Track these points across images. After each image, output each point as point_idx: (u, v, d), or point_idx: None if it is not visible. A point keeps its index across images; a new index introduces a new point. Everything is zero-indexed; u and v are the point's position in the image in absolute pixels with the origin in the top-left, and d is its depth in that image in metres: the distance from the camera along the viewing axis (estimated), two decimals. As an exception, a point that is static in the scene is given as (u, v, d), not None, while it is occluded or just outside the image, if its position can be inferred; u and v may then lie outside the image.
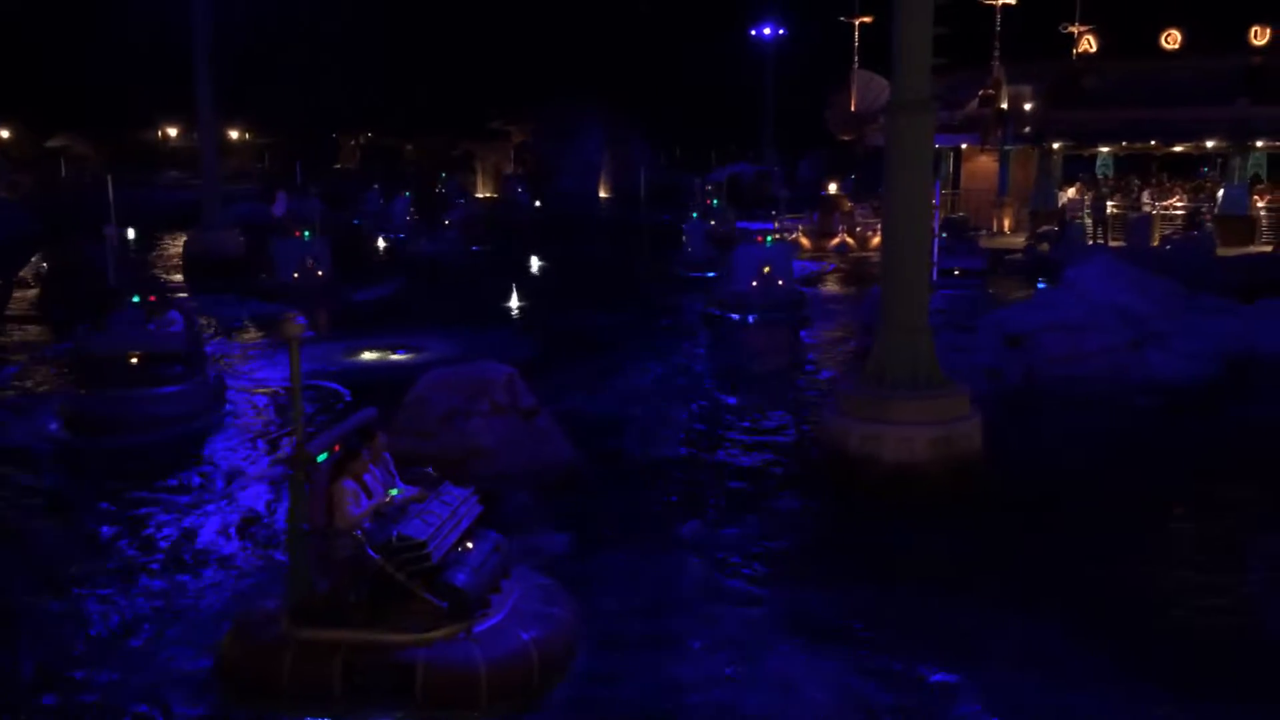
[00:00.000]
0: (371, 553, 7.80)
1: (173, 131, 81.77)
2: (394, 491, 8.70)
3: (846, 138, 44.53)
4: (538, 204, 58.40)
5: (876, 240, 33.23)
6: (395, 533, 7.95)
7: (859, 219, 40.99)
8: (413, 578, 7.82)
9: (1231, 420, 15.71)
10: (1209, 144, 37.54)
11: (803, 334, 24.34)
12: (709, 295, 26.63)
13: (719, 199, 41.73)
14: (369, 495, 8.43)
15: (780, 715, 7.92)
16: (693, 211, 36.35)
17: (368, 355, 21.57)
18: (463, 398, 12.52)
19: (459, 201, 35.85)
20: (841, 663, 8.59)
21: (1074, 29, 42.14)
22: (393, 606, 7.86)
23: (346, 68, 73.05)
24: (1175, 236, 31.13)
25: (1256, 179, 38.00)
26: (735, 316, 25.16)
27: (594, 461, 13.63)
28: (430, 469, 9.10)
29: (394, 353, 21.66)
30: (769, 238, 26.96)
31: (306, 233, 28.83)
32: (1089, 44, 41.98)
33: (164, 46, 48.37)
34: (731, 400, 17.82)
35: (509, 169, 72.80)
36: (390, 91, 77.69)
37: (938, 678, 8.36)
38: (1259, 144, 36.90)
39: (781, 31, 71.96)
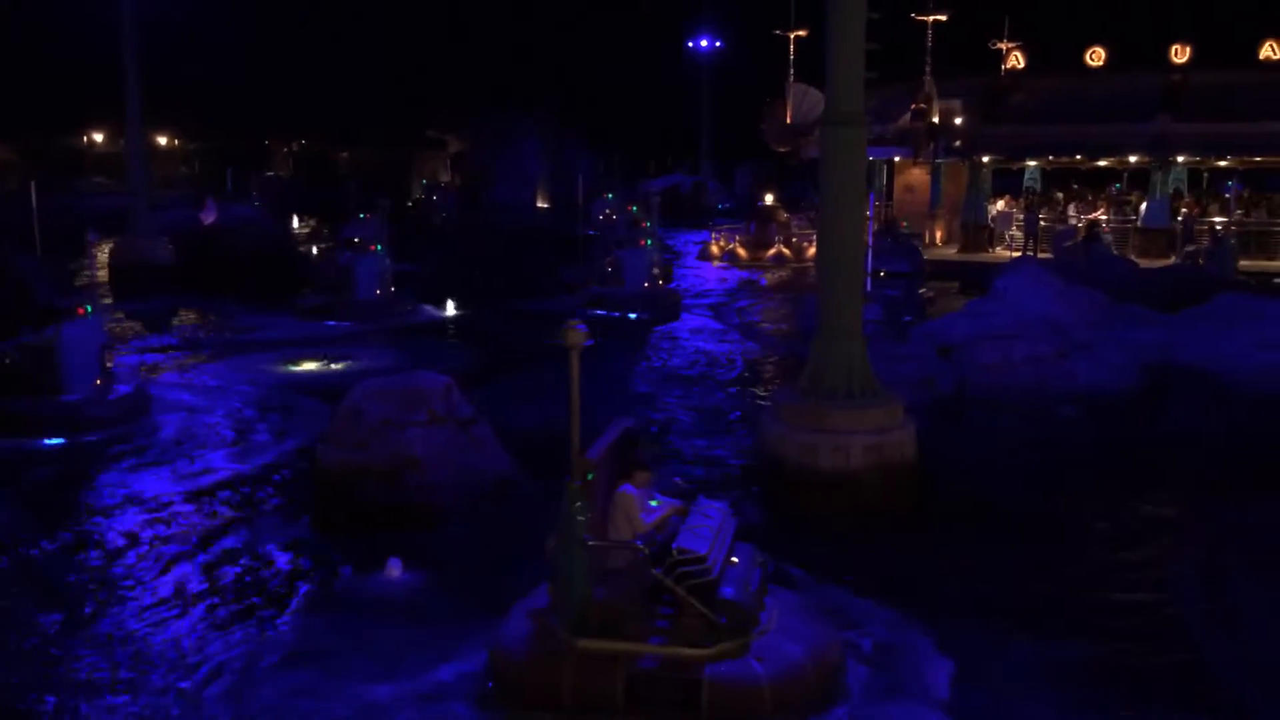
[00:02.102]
0: (650, 565, 7.73)
1: (99, 137, 79.89)
2: (653, 503, 8.55)
3: (782, 149, 45.00)
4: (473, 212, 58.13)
5: (812, 251, 33.59)
6: (674, 545, 7.83)
7: (795, 230, 41.43)
8: (691, 591, 7.68)
9: (1151, 428, 16.17)
10: (1132, 159, 38.65)
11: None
12: (590, 297, 27.66)
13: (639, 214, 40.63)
14: (640, 522, 8.28)
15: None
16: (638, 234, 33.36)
17: (305, 366, 21.27)
18: (398, 408, 12.39)
19: (360, 217, 34.92)
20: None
21: (1002, 45, 43.13)
22: (669, 619, 7.77)
23: (280, 73, 72.02)
24: (1070, 245, 32.24)
25: (1178, 193, 39.20)
26: (633, 317, 26.34)
27: (530, 472, 13.58)
28: (678, 479, 8.92)
29: (332, 363, 21.39)
30: (648, 240, 28.48)
31: (378, 247, 27.33)
32: (1017, 60, 42.99)
33: (91, 49, 47.27)
34: (667, 404, 17.91)
35: (445, 178, 72.35)
36: (324, 98, 76.78)
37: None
38: (1179, 159, 38.09)
39: (718, 44, 72.61)
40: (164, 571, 10.97)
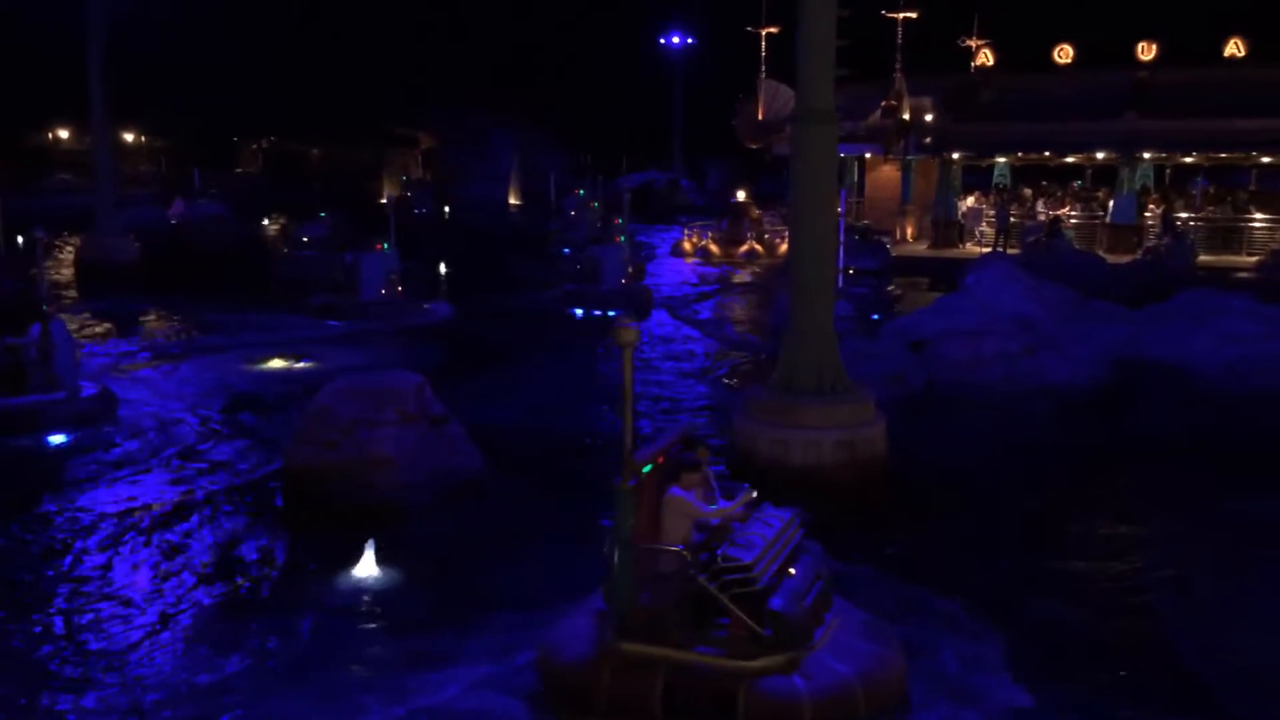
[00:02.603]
0: (694, 572, 7.56)
1: (65, 134, 78.90)
2: (712, 507, 8.35)
3: (754, 146, 45.13)
4: (446, 210, 57.89)
5: (784, 247, 33.70)
6: (720, 552, 7.66)
7: (767, 226, 41.55)
8: (736, 600, 7.50)
9: (1119, 424, 16.35)
10: (1100, 155, 39.04)
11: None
12: (565, 295, 27.70)
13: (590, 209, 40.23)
14: (696, 510, 8.11)
15: None
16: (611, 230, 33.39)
17: (272, 364, 21.10)
18: (369, 407, 12.30)
19: (321, 216, 34.67)
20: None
21: (972, 43, 43.44)
22: (713, 628, 7.62)
23: (248, 69, 71.35)
24: (1032, 241, 32.70)
25: (1145, 190, 39.63)
26: (611, 314, 26.00)
27: (503, 470, 13.54)
28: (746, 485, 8.66)
29: (299, 361, 21.23)
30: (622, 237, 28.71)
31: (385, 245, 26.52)
32: (986, 58, 43.29)
33: (55, 45, 46.65)
34: (639, 399, 17.90)
35: (417, 174, 72.03)
36: (293, 94, 76.16)
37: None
38: (1146, 156, 38.51)
39: (690, 40, 72.70)
40: (133, 570, 10.85)
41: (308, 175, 76.61)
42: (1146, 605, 10.11)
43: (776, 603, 7.54)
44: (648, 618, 7.64)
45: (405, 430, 12.30)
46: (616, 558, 7.68)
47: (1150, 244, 33.50)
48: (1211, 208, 37.92)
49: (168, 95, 68.34)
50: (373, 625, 9.66)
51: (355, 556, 10.65)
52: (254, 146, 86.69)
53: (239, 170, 79.86)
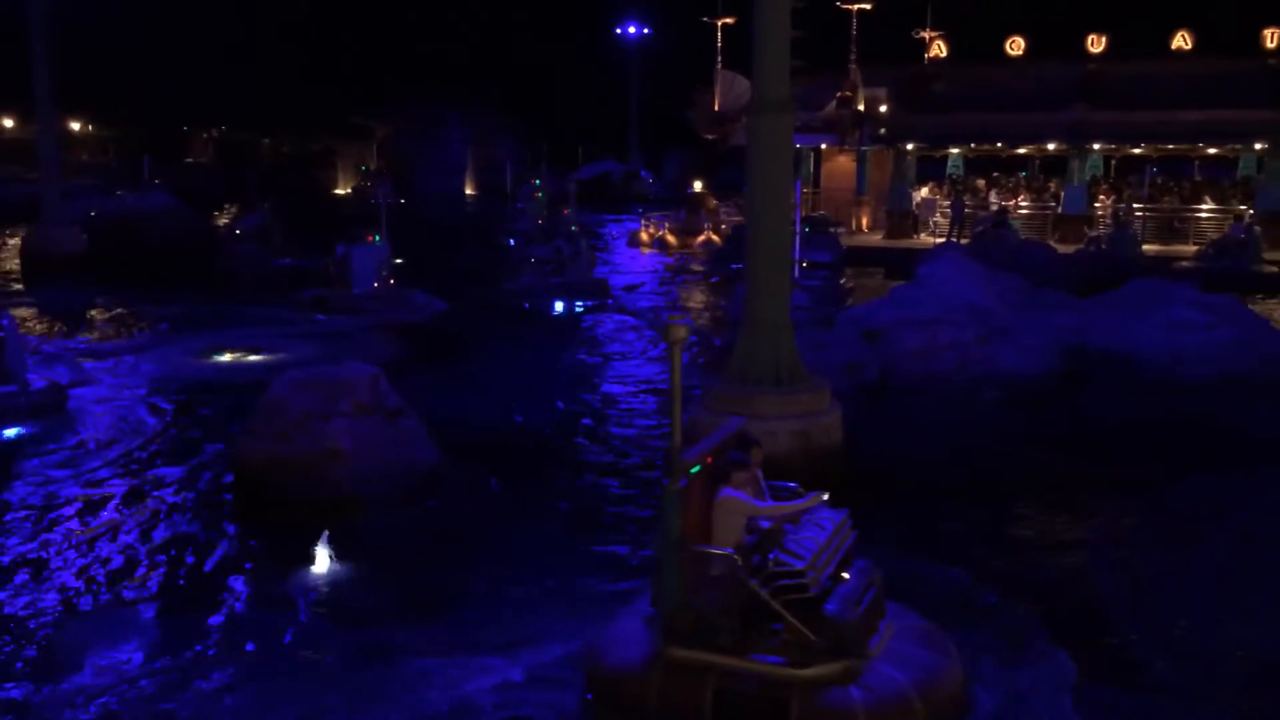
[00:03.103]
0: (746, 576, 7.30)
1: (9, 123, 77.19)
2: (764, 504, 8.06)
3: (711, 136, 45.19)
4: (402, 201, 57.38)
5: (741, 238, 33.76)
6: (772, 556, 7.43)
7: (724, 217, 41.68)
8: (788, 607, 7.27)
9: (1068, 409, 16.62)
10: (1050, 146, 39.55)
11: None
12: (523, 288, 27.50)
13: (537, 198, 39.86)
14: (752, 508, 7.80)
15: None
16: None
17: (226, 357, 20.83)
18: (323, 399, 12.18)
19: (263, 206, 34.16)
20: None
21: (925, 35, 43.78)
22: (764, 634, 7.38)
23: (198, 58, 70.26)
24: (980, 230, 33.24)
25: (1096, 180, 40.22)
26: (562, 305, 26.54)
27: (459, 463, 13.48)
28: (796, 485, 8.37)
29: (252, 354, 20.98)
30: (574, 227, 28.85)
31: (376, 237, 25.83)
32: (939, 49, 43.67)
33: (-2, 32, 45.55)
34: (595, 394, 17.92)
35: (371, 165, 71.33)
36: (245, 84, 75.11)
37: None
38: (1096, 147, 39.08)
39: (646, 31, 72.58)
40: (79, 567, 10.68)
41: (259, 166, 75.55)
42: (1090, 584, 10.29)
43: (831, 608, 7.33)
44: (697, 622, 7.43)
45: (360, 423, 12.20)
46: (664, 560, 7.46)
47: (1095, 234, 34.04)
48: (1166, 198, 38.60)
49: (116, 83, 67.10)
50: (327, 622, 9.57)
51: (308, 551, 10.55)
52: (204, 136, 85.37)
53: (189, 160, 78.61)
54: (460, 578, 10.31)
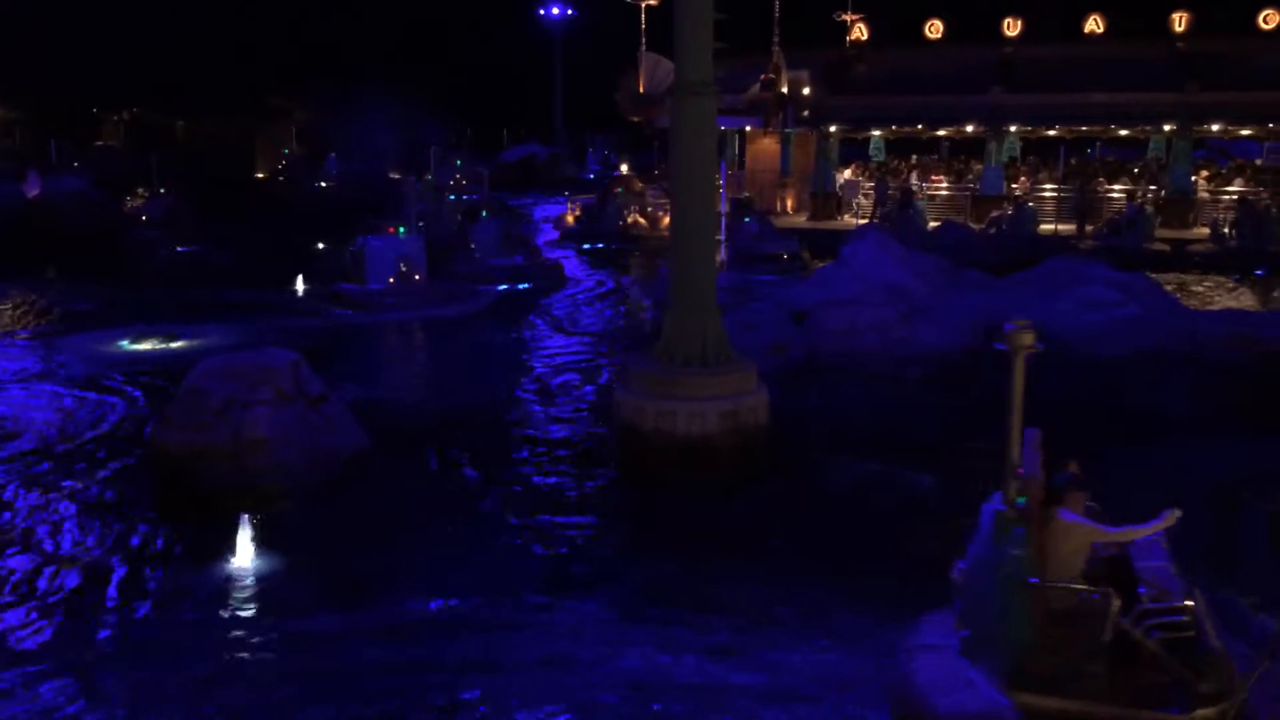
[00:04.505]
0: (1114, 613, 6.55)
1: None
2: (1112, 530, 7.22)
3: (636, 119, 45.10)
4: (323, 185, 56.43)
5: (667, 220, 33.85)
6: (1141, 590, 6.76)
7: (650, 200, 41.66)
8: (1166, 647, 6.48)
9: (985, 386, 16.98)
10: (969, 128, 40.27)
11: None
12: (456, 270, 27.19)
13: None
14: (1100, 533, 7.05)
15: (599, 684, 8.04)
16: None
17: (141, 344, 20.28)
18: (243, 386, 11.94)
19: (161, 191, 33.32)
20: (653, 636, 8.79)
21: (847, 18, 44.19)
22: (1132, 676, 6.57)
23: (108, 37, 67.99)
24: (886, 211, 33.97)
25: (1012, 161, 41.08)
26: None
27: (387, 449, 13.34)
28: (1094, 505, 7.55)
29: (171, 341, 20.45)
30: (483, 213, 29.17)
31: (401, 229, 24.11)
32: (861, 32, 44.13)
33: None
34: (527, 378, 17.85)
35: (293, 149, 69.91)
36: (157, 64, 72.92)
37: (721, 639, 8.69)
38: (1012, 129, 39.92)
39: (570, 12, 72.11)
40: (-9, 567, 10.37)
41: (173, 149, 73.47)
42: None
43: (1208, 645, 6.56)
44: (1051, 666, 6.65)
45: (281, 410, 11.98)
46: (1005, 597, 6.74)
47: (995, 214, 34.84)
48: (1079, 179, 39.56)
49: (20, 63, 64.67)
50: (247, 614, 9.41)
51: (228, 542, 10.36)
52: (115, 119, 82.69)
53: (100, 143, 76.10)
54: (385, 565, 10.21)
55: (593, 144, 70.70)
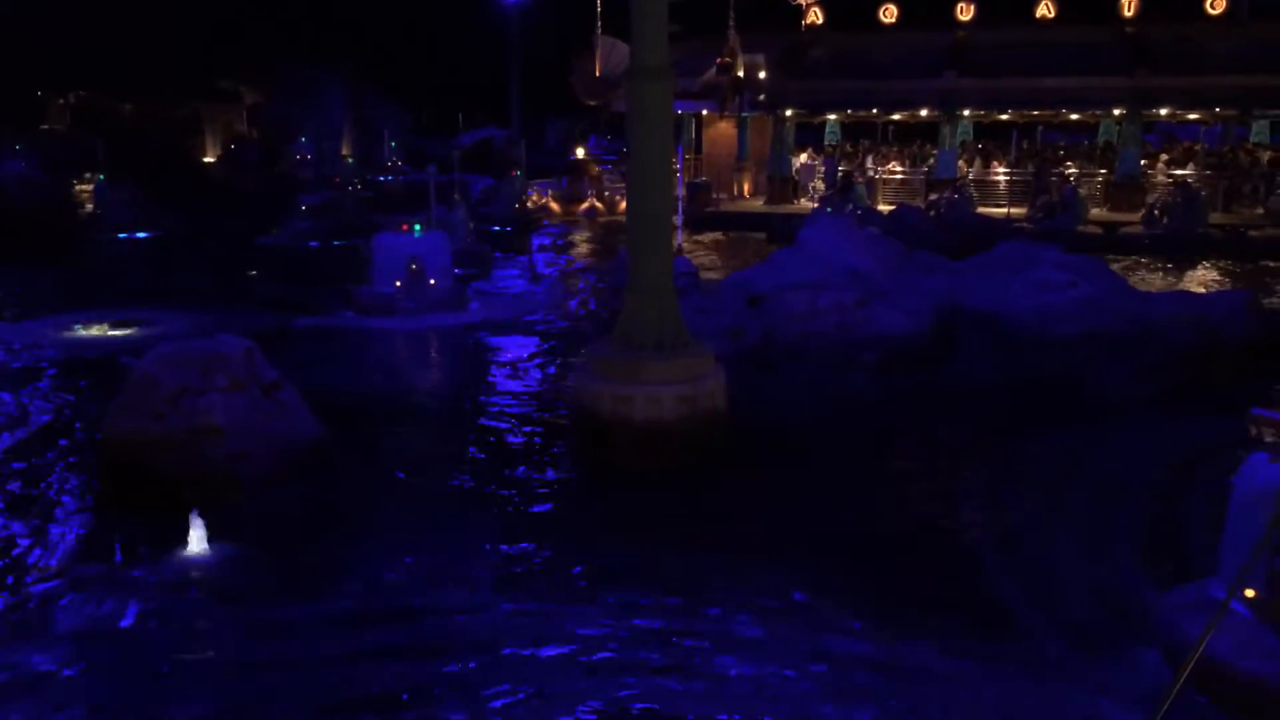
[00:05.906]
0: None
1: None
2: None
3: (592, 103, 44.97)
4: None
5: (625, 204, 33.84)
6: None
7: (607, 184, 41.62)
8: None
9: (942, 367, 17.25)
10: (923, 113, 40.58)
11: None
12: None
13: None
14: None
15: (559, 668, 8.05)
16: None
17: (89, 331, 19.92)
18: (195, 374, 11.76)
19: (98, 177, 32.69)
20: (615, 619, 8.81)
21: (802, 1, 44.28)
22: None
23: (51, 17, 66.40)
24: (827, 195, 34.46)
25: (965, 146, 41.47)
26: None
27: (344, 437, 13.24)
28: None
29: (118, 328, 20.11)
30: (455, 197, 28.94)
31: (417, 226, 21.66)
32: (816, 16, 44.28)
33: None
34: (493, 357, 17.79)
35: (243, 131, 68.84)
36: (102, 45, 71.33)
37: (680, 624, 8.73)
38: (965, 113, 40.27)
39: (526, -5, 71.32)
40: (-63, 561, 10.15)
41: (121, 133, 71.95)
42: (962, 537, 10.72)
43: None
44: None
45: (235, 398, 11.83)
46: None
47: (934, 198, 35.28)
48: (1031, 163, 40.07)
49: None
50: (204, 603, 9.30)
51: (181, 535, 10.22)
52: (60, 102, 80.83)
53: (45, 127, 74.40)
54: (342, 554, 10.14)
55: (552, 127, 70.23)
